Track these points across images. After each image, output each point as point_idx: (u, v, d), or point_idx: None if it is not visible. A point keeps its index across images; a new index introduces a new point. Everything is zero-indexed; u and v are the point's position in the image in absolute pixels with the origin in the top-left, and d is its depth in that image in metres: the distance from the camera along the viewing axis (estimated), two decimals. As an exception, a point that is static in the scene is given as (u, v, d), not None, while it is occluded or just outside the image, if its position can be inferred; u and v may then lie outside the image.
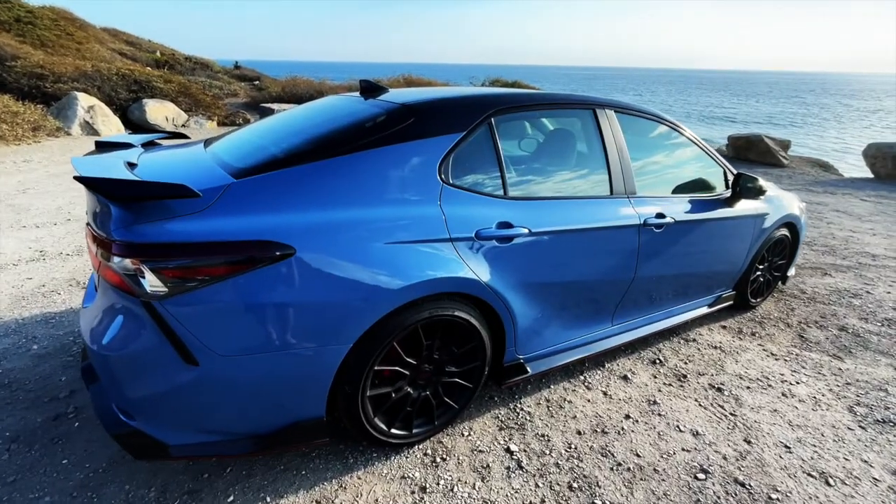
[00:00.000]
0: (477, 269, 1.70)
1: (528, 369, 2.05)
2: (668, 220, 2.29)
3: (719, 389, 2.34)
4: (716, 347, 2.75)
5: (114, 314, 1.38)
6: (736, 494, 1.72)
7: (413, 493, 1.66)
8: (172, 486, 1.63)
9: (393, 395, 1.71)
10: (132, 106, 10.13)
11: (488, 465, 1.79)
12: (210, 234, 1.31)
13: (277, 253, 1.35)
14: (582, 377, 2.37)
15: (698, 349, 2.72)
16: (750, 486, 1.76)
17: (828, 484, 1.79)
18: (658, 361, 2.56)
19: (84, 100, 8.97)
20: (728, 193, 2.68)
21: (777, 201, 3.01)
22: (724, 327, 3.01)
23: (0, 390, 2.07)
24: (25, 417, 1.93)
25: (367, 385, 1.61)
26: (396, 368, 1.68)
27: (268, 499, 1.61)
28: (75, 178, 1.28)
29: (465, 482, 1.71)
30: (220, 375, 1.37)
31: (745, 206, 2.72)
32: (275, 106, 12.36)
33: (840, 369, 2.59)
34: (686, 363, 2.57)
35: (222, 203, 1.37)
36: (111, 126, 9.09)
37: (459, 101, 1.86)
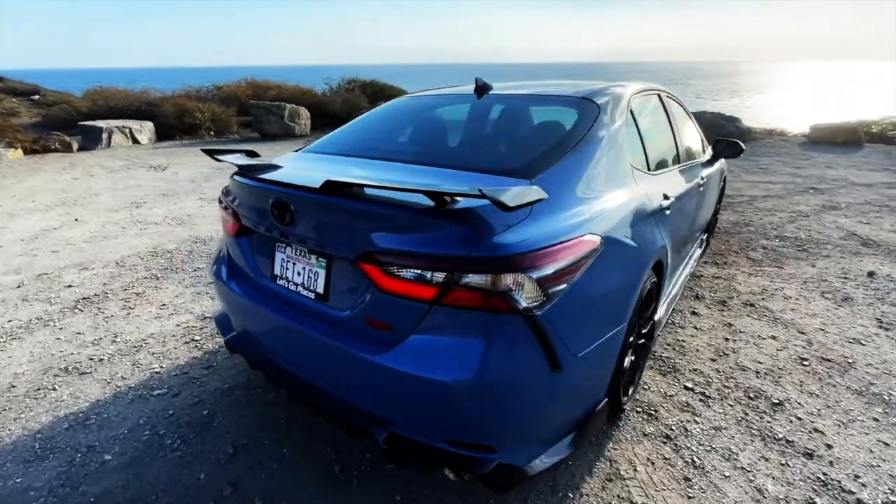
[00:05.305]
0: (665, 236, 1.94)
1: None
2: (704, 178, 2.85)
3: (752, 305, 3.04)
4: (718, 278, 3.50)
5: (472, 341, 1.22)
6: (820, 366, 2.36)
7: (664, 442, 1.85)
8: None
9: (625, 364, 1.86)
10: None
11: (688, 403, 2.08)
12: (554, 235, 1.28)
13: (598, 246, 1.39)
14: (669, 321, 2.81)
15: (710, 282, 3.42)
16: (828, 358, 2.42)
17: (861, 344, 2.57)
18: (699, 297, 3.17)
19: None
20: (711, 154, 3.40)
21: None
22: (705, 263, 3.80)
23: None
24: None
25: (626, 356, 1.73)
26: (631, 338, 1.83)
27: (574, 473, 1.62)
28: (441, 192, 1.12)
29: (687, 420, 1.97)
30: (572, 378, 1.35)
31: (719, 164, 3.50)
32: (102, 123, 10.05)
33: (792, 274, 3.56)
34: (714, 293, 3.23)
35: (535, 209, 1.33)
36: None
37: (611, 91, 2.04)
